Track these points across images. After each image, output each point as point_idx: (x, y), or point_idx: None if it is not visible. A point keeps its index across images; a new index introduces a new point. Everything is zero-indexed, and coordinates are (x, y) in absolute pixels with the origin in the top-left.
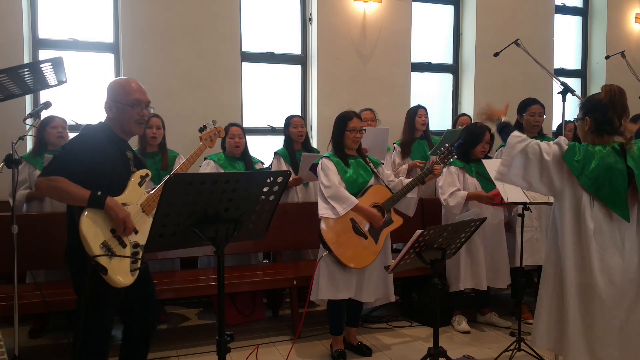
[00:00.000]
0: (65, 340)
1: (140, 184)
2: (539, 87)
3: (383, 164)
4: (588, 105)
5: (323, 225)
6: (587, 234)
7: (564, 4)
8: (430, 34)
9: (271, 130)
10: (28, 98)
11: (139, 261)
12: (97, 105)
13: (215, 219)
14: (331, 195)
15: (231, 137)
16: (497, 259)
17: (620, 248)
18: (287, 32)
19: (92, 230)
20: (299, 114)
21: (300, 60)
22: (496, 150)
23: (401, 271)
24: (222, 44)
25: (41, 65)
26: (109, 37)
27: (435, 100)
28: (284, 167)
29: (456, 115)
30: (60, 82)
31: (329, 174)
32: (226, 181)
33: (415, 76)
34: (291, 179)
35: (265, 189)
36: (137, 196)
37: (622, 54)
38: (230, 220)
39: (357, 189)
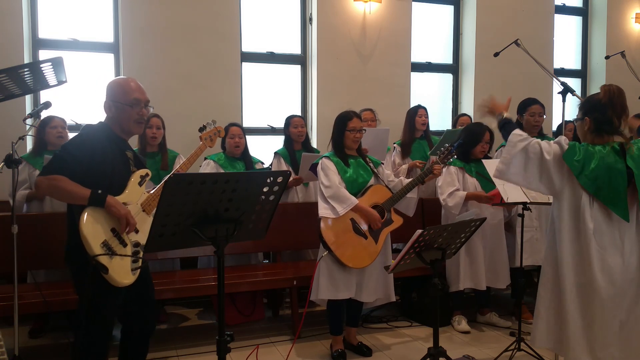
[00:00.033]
0: (65, 340)
1: (140, 184)
2: (539, 87)
3: (383, 164)
4: (587, 105)
5: (323, 225)
6: (587, 233)
7: (564, 4)
8: (430, 34)
9: (271, 130)
10: (28, 98)
11: (140, 260)
12: (97, 105)
13: (215, 219)
14: (331, 195)
15: (231, 137)
16: (497, 259)
17: (620, 248)
18: (287, 32)
19: (93, 230)
20: (299, 114)
21: (300, 60)
22: (496, 150)
23: (401, 271)
24: (222, 44)
25: (41, 65)
26: (109, 37)
27: (435, 100)
28: (284, 167)
29: (456, 115)
30: (60, 82)
31: (329, 174)
32: (226, 181)
33: (415, 76)
34: (291, 179)
35: (265, 189)
36: (137, 196)
37: (622, 54)
38: (230, 220)
39: (357, 189)
